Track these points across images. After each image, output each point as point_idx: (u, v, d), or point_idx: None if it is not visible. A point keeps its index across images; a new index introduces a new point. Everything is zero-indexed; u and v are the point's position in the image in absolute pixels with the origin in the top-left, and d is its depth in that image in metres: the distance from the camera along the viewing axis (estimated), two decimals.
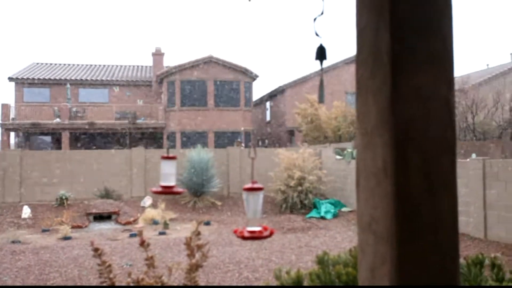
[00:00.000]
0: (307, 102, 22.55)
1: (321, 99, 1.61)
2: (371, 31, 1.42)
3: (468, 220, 9.92)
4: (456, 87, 20.47)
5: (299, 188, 14.37)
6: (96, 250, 2.32)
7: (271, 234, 1.59)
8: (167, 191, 1.64)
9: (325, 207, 14.00)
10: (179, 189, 1.69)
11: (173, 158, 1.65)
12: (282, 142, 27.38)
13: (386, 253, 1.33)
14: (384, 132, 1.35)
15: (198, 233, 2.28)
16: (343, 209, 14.24)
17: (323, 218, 13.48)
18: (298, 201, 14.40)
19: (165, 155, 1.63)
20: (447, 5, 1.39)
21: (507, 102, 20.46)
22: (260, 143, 31.33)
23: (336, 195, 15.20)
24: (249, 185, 1.56)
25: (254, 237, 1.57)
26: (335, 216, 13.69)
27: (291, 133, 27.45)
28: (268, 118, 31.49)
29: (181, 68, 25.72)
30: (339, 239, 10.39)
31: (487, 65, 33.54)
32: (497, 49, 74.13)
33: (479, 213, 9.73)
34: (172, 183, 1.64)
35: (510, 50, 69.99)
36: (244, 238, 1.57)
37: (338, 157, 15.33)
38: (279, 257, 8.61)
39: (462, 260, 2.23)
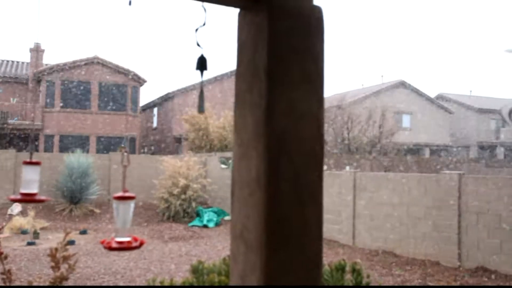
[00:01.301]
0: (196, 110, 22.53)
1: (200, 109, 1.62)
2: (250, 46, 1.46)
3: (340, 228, 10.66)
4: (334, 103, 22.01)
5: (183, 196, 14.23)
6: None
7: (141, 244, 1.54)
8: (28, 198, 1.51)
9: (208, 216, 14.03)
10: (42, 197, 1.57)
11: (36, 163, 1.53)
12: (169, 150, 26.96)
13: (256, 261, 1.37)
14: (259, 145, 1.40)
15: (66, 243, 2.14)
16: (226, 218, 14.39)
17: (205, 226, 13.50)
18: (181, 210, 14.25)
19: (28, 160, 1.51)
20: (320, 28, 1.49)
21: (378, 120, 22.52)
22: (146, 149, 30.51)
23: (220, 203, 15.34)
24: (119, 194, 1.51)
25: (123, 247, 1.51)
26: (217, 224, 13.79)
27: (178, 140, 27.15)
28: (155, 125, 30.82)
29: (63, 67, 24.09)
30: (220, 247, 10.48)
31: (362, 85, 36.62)
32: (372, 70, 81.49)
33: (349, 222, 10.51)
34: (34, 191, 1.52)
35: (381, 73, 77.36)
36: (112, 249, 1.50)
37: (223, 166, 15.50)
38: (158, 267, 8.42)
39: (326, 266, 2.41)
